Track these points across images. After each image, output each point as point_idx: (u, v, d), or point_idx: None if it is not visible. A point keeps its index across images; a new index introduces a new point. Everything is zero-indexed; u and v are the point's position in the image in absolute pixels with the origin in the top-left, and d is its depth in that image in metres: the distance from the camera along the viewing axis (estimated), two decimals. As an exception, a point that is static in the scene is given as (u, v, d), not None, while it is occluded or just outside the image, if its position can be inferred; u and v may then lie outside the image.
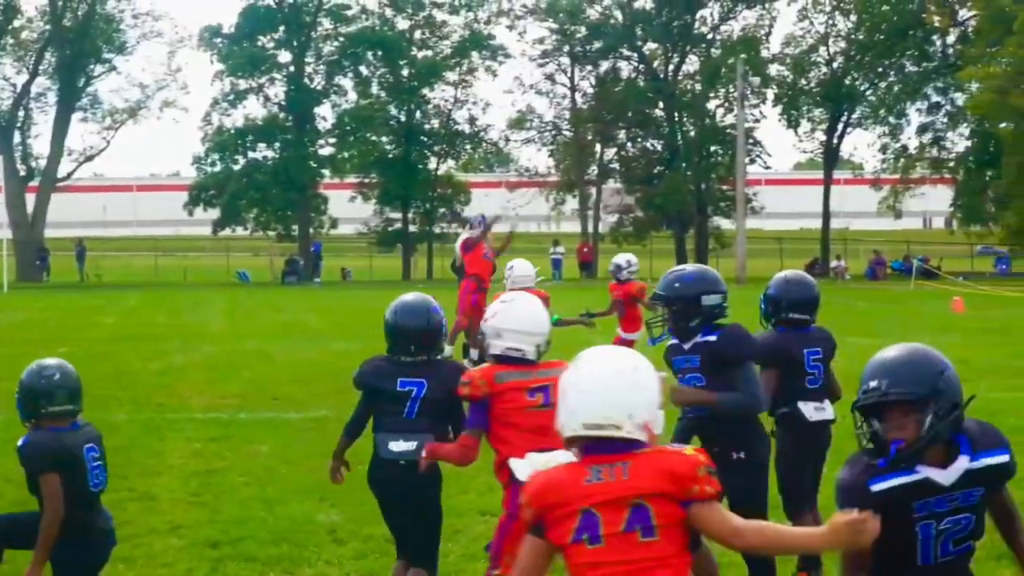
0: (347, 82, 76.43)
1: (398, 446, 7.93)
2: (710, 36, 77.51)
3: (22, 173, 72.34)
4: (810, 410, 9.03)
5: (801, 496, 9.12)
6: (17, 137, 73.03)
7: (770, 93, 76.29)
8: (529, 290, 16.49)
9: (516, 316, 7.79)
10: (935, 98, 75.70)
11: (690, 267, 8.87)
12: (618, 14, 77.89)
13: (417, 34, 77.13)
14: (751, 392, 8.16)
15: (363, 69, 76.35)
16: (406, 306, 8.37)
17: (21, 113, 73.58)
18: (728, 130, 73.86)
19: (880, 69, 75.44)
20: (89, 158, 76.72)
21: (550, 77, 79.67)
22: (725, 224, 76.52)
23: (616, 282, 19.09)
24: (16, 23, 74.03)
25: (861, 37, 74.73)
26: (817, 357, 9.12)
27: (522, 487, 5.12)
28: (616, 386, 4.89)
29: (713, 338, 8.21)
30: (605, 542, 4.74)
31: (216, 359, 24.58)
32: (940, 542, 5.25)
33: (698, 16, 76.99)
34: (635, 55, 78.81)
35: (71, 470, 7.63)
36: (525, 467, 6.77)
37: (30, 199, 71.37)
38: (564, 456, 5.28)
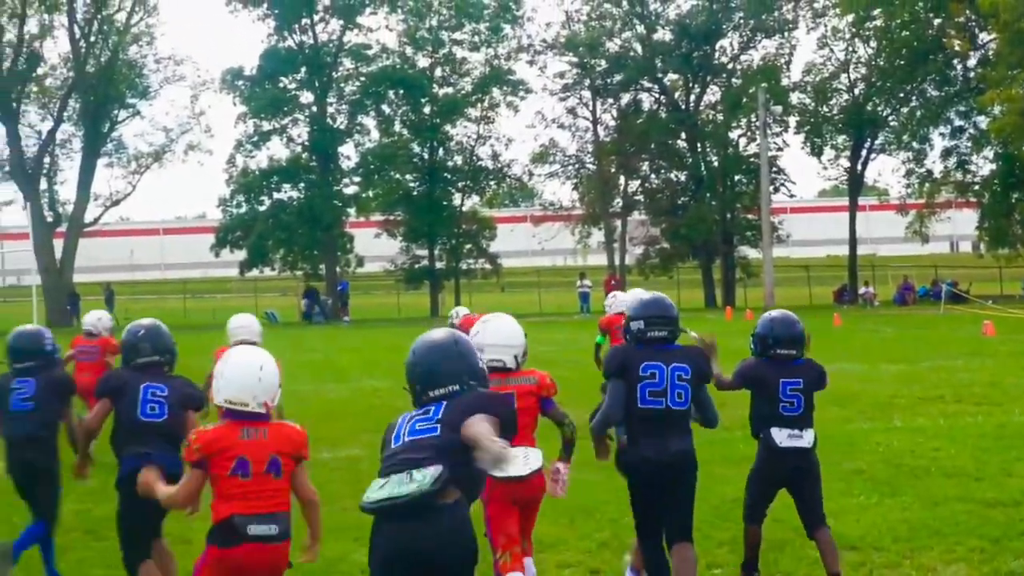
0: (370, 121, 76.66)
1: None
2: (730, 66, 77.53)
3: (49, 219, 72.48)
4: (783, 437, 9.64)
5: (754, 509, 9.96)
6: (44, 183, 73.26)
7: (792, 121, 76.14)
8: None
9: (494, 332, 9.15)
10: (958, 122, 75.40)
11: (645, 294, 9.90)
12: (638, 46, 78.00)
13: (438, 71, 77.26)
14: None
15: (385, 108, 76.48)
16: None
17: (47, 160, 73.81)
18: (751, 159, 73.77)
19: (902, 94, 75.23)
20: (115, 203, 76.90)
21: (572, 111, 79.73)
22: (752, 253, 76.34)
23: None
24: (40, 70, 74.29)
25: (882, 63, 74.58)
26: (796, 387, 9.68)
27: (491, 476, 6.58)
28: (245, 377, 7.40)
29: None
30: (252, 477, 7.28)
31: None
32: None
33: (717, 46, 77.10)
34: (656, 87, 78.91)
35: (120, 398, 9.48)
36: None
37: (58, 245, 71.64)
38: (535, 452, 8.58)
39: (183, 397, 9.53)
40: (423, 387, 6.51)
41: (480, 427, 6.10)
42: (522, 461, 8.32)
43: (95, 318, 19.43)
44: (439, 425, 6.25)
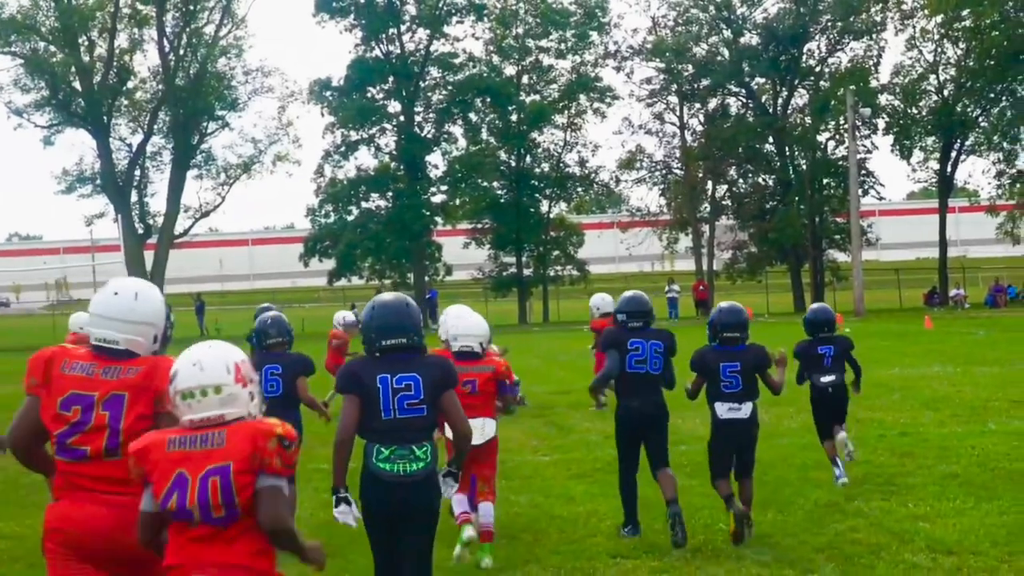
0: (457, 129, 76.53)
1: None
2: (818, 69, 76.97)
3: (140, 231, 73.24)
4: (724, 410, 11.95)
5: (717, 467, 12.00)
6: (134, 196, 73.92)
7: (881, 123, 75.49)
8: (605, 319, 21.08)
9: (466, 325, 11.56)
10: (1050, 122, 74.47)
11: (628, 293, 12.52)
12: (725, 51, 77.72)
13: (525, 79, 77.39)
14: None
15: (472, 116, 76.42)
16: None
17: (137, 172, 74.43)
18: (840, 162, 73.10)
19: (992, 95, 74.33)
20: (205, 214, 77.30)
21: (659, 116, 79.67)
22: (841, 257, 75.77)
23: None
24: (130, 84, 75.09)
25: (971, 64, 73.72)
26: (734, 369, 11.95)
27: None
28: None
29: None
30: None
31: (338, 409, 24.68)
32: None
33: (805, 49, 76.57)
34: (743, 91, 78.67)
35: None
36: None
37: (148, 256, 72.29)
38: (491, 423, 11.29)
39: (296, 368, 12.45)
40: (378, 335, 8.07)
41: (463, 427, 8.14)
42: (479, 432, 10.54)
43: (343, 316, 24.47)
44: (425, 407, 7.93)
